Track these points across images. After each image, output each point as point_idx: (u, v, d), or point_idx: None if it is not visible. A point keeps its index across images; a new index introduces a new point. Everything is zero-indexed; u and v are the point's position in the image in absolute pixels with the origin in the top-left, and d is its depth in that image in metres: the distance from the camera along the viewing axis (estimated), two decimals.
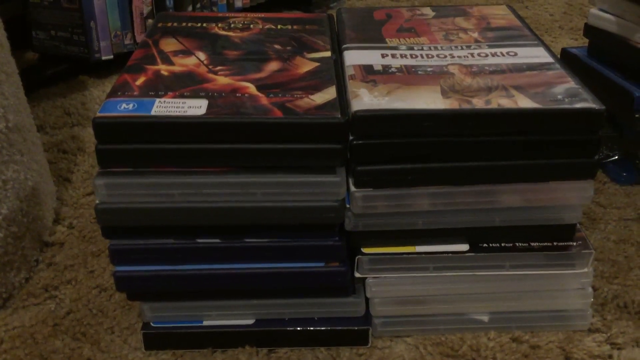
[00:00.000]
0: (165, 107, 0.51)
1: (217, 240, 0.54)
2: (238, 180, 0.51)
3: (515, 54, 0.60)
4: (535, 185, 0.54)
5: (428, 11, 0.71)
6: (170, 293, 0.57)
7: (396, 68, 0.58)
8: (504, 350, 0.57)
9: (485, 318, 0.59)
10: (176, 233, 0.54)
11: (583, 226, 0.71)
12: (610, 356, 0.57)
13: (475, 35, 0.65)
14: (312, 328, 0.58)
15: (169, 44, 0.62)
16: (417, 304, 0.58)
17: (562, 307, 0.59)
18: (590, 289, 0.58)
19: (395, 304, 0.58)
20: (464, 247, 0.56)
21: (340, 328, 0.57)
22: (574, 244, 0.57)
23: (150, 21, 1.13)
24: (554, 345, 0.58)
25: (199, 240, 0.54)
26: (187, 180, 0.51)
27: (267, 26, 0.67)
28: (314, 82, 0.55)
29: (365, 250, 0.56)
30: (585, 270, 0.57)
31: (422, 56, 0.60)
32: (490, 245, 0.56)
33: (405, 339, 0.59)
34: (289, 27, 0.67)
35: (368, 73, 0.57)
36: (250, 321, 0.58)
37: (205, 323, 0.58)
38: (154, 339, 0.58)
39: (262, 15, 0.70)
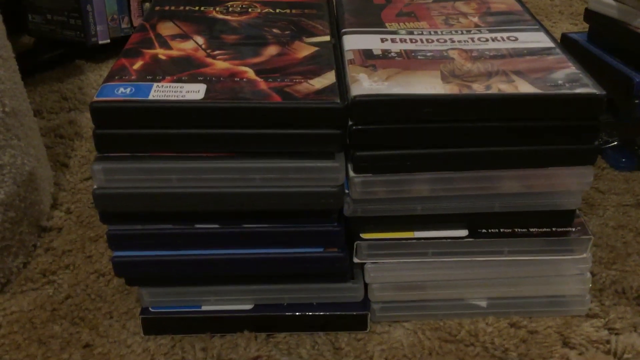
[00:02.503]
0: (163, 91, 0.51)
1: (216, 226, 0.54)
2: (236, 166, 0.51)
3: (516, 39, 0.60)
4: (534, 171, 0.54)
5: None
6: (168, 278, 0.57)
7: (396, 53, 0.57)
8: (502, 336, 0.57)
9: (484, 303, 0.59)
10: (174, 218, 0.54)
11: (582, 212, 0.71)
12: (608, 341, 0.57)
13: (476, 19, 0.64)
14: (310, 313, 0.58)
15: (167, 28, 0.61)
16: (416, 290, 0.58)
17: (560, 293, 0.59)
18: (588, 275, 0.58)
19: (394, 289, 0.58)
20: (463, 232, 0.56)
21: (338, 313, 0.58)
22: (573, 229, 0.57)
23: (147, 5, 1.13)
24: (552, 331, 0.58)
25: (198, 226, 0.54)
26: (186, 166, 0.51)
27: (265, 10, 0.66)
28: (313, 67, 0.55)
29: (364, 235, 0.56)
30: (584, 255, 0.57)
31: (422, 41, 0.60)
32: (489, 230, 0.56)
33: (403, 324, 0.59)
34: (288, 11, 0.66)
35: (367, 58, 0.56)
36: (249, 306, 0.58)
37: (204, 308, 0.58)
38: (153, 324, 0.58)
39: None
